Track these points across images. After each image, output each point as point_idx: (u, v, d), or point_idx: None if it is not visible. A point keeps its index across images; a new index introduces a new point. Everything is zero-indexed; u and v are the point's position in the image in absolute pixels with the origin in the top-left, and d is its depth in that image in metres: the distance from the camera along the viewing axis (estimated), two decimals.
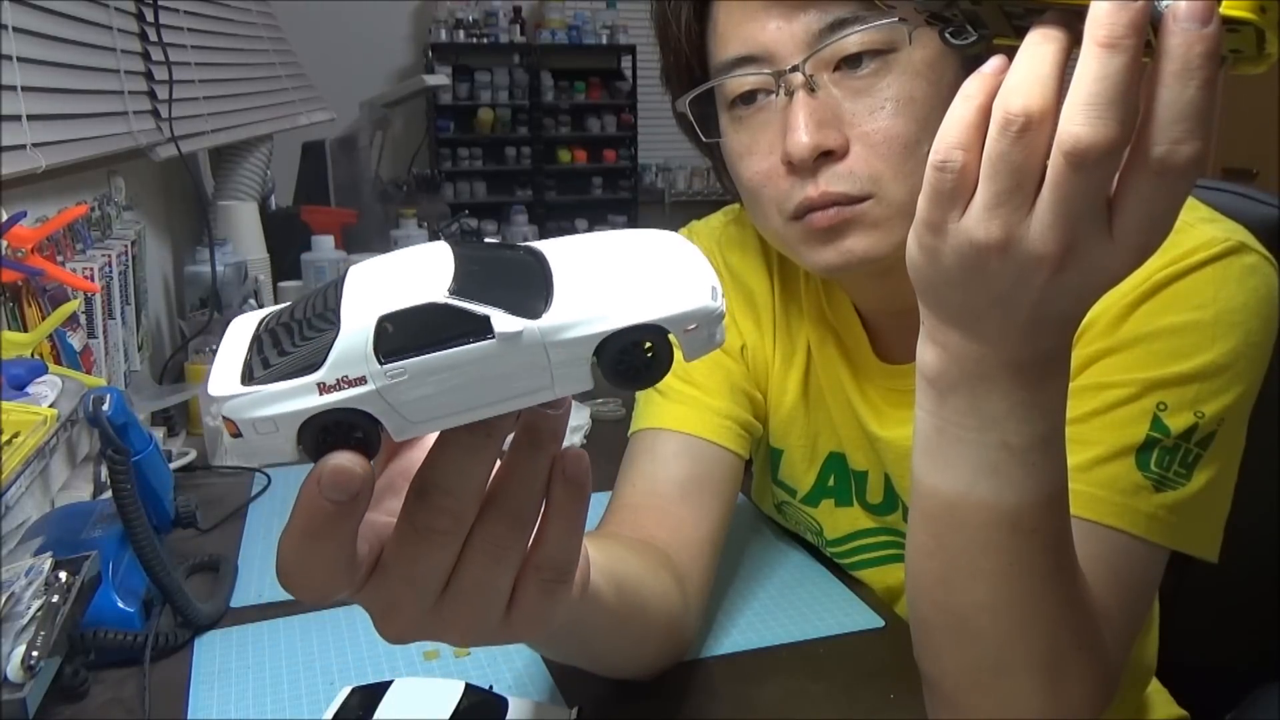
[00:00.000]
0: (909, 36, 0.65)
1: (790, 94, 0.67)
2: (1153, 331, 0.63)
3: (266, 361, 0.33)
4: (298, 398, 0.32)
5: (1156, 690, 0.87)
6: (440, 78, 3.85)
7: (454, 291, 0.32)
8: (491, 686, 0.65)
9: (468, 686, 0.64)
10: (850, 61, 0.66)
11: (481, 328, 0.31)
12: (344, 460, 0.32)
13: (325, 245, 1.66)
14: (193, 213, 2.01)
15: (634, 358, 0.33)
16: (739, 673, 0.74)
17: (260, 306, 1.52)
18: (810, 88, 0.66)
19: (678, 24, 0.74)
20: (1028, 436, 0.48)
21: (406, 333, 0.31)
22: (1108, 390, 0.63)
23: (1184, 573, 0.70)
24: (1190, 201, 0.67)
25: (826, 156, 0.66)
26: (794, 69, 0.66)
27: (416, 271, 0.33)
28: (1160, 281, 0.63)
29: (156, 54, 1.59)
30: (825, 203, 0.67)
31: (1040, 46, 0.39)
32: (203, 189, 2.03)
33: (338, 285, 0.34)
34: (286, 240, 1.93)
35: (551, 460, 0.37)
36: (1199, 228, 0.64)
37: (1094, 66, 0.36)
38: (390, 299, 0.32)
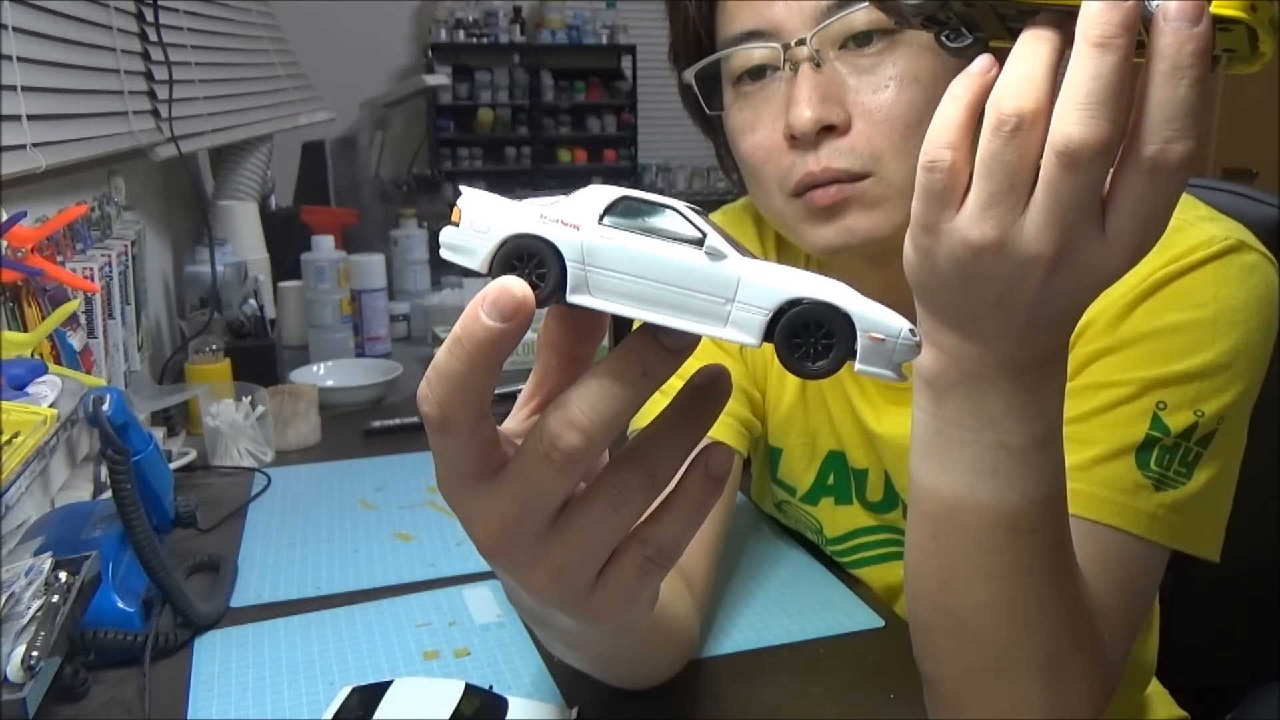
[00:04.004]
0: None
1: (795, 69, 0.67)
2: (1152, 330, 0.63)
3: (519, 200, 0.36)
4: (519, 216, 0.35)
5: (1156, 691, 0.87)
6: (440, 78, 3.85)
7: (691, 211, 0.34)
8: (491, 686, 0.65)
9: (468, 686, 0.64)
10: (858, 40, 0.67)
11: (697, 239, 0.34)
12: (514, 284, 0.32)
13: (325, 245, 1.66)
14: (193, 213, 2.01)
15: (811, 336, 0.34)
16: (739, 673, 0.74)
17: (260, 307, 1.52)
18: (816, 63, 0.67)
19: None
20: (1026, 437, 0.48)
21: (634, 213, 0.34)
22: (1107, 389, 0.63)
23: (1184, 573, 0.70)
24: (1190, 200, 0.67)
25: (828, 132, 0.67)
26: (800, 43, 0.67)
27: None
28: (1160, 280, 0.63)
29: (156, 54, 1.59)
30: (826, 178, 0.67)
31: (1033, 47, 0.39)
32: (203, 189, 2.03)
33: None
34: (286, 240, 1.93)
35: (701, 439, 0.37)
36: (1198, 226, 0.64)
37: (1086, 66, 0.37)
38: (638, 192, 0.35)
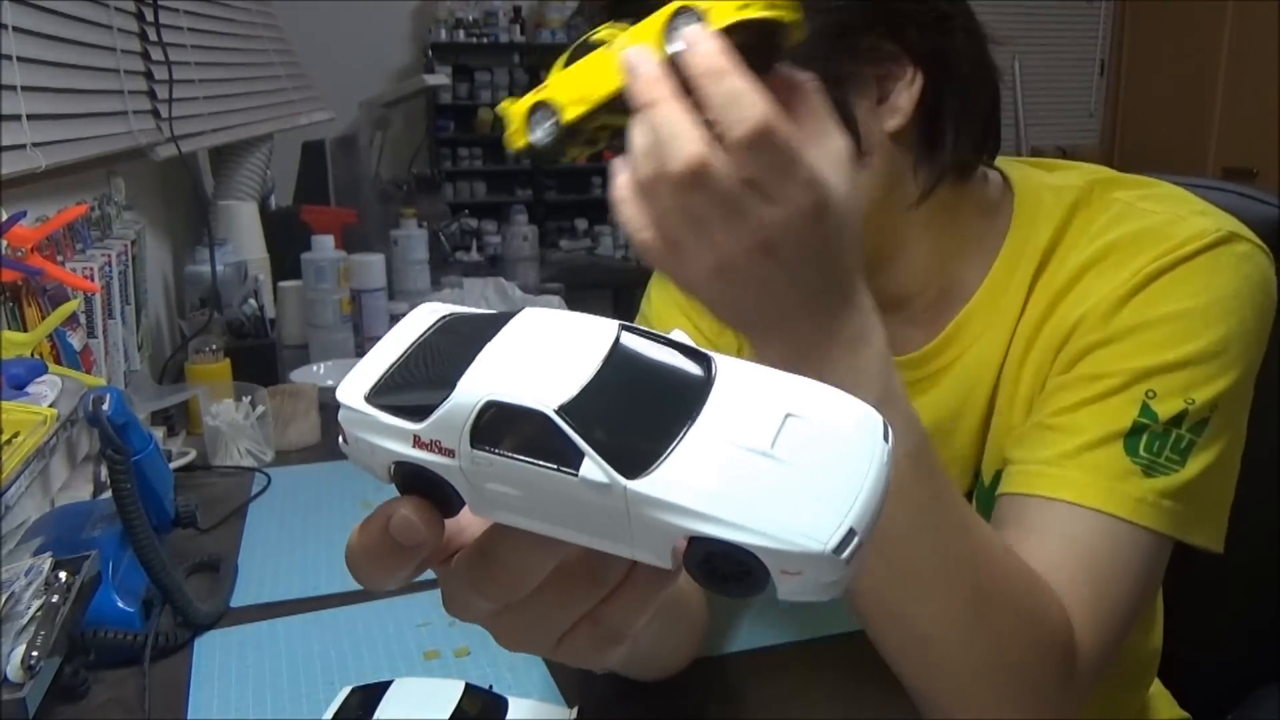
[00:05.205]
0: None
1: None
2: (1145, 322, 0.63)
3: (395, 384, 0.33)
4: (395, 439, 0.31)
5: (1159, 692, 0.87)
6: (440, 78, 3.85)
7: (565, 409, 0.29)
8: (491, 686, 0.65)
9: (468, 686, 0.64)
10: None
11: (572, 460, 0.29)
12: (413, 515, 0.32)
13: (325, 245, 1.66)
14: (193, 213, 2.01)
15: (723, 566, 0.29)
16: (739, 673, 0.74)
17: (260, 307, 1.52)
18: None
19: None
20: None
21: (505, 428, 0.30)
22: (1099, 380, 0.63)
23: (1185, 572, 0.70)
24: (1183, 194, 0.67)
25: None
26: None
27: (557, 360, 0.31)
28: (1153, 273, 0.63)
29: (156, 54, 1.59)
30: None
31: (646, 118, 0.47)
32: (203, 189, 2.03)
33: (494, 326, 0.33)
34: (286, 240, 1.92)
35: None
36: (1190, 219, 0.64)
37: (654, 119, 0.46)
38: (509, 385, 0.30)
